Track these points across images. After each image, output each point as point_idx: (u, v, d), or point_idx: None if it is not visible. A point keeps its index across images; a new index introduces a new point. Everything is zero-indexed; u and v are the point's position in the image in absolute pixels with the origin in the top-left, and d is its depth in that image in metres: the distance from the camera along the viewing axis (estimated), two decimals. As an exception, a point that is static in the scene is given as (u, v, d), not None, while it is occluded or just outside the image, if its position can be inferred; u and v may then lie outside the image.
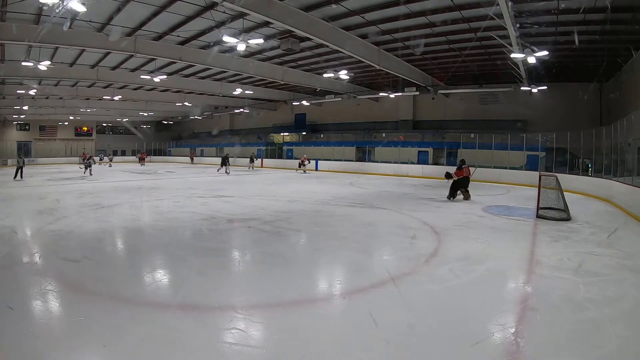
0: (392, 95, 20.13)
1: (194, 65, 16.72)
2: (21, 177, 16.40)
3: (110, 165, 28.71)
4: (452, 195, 10.56)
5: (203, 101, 28.16)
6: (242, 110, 29.99)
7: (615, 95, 15.54)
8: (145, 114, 34.11)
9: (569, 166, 15.31)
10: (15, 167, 17.19)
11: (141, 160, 32.82)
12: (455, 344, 2.81)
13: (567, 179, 11.96)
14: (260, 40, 10.80)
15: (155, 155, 41.40)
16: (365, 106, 25.13)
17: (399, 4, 10.12)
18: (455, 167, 10.89)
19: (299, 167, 22.86)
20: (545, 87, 16.12)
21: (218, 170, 22.40)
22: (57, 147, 37.04)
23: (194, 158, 36.04)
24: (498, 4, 8.18)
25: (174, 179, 18.31)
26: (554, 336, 2.91)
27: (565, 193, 8.72)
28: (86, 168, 19.49)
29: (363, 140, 25.74)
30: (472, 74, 18.33)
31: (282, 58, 16.41)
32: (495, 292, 3.90)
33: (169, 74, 18.32)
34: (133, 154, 41.81)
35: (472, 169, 11.37)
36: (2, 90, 21.88)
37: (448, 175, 10.78)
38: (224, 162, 22.44)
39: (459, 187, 10.52)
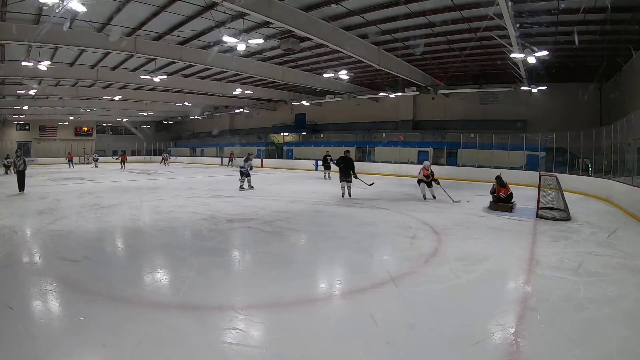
0: (392, 95, 20.11)
1: (194, 65, 16.71)
2: (23, 188, 11.52)
3: (96, 166, 27.52)
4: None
5: (203, 101, 28.14)
6: (242, 110, 29.98)
7: (615, 95, 15.54)
8: (145, 114, 34.09)
9: (569, 166, 15.30)
10: (14, 170, 12.55)
11: (123, 162, 26.79)
12: (455, 344, 2.81)
13: (567, 179, 11.95)
14: (260, 40, 10.80)
15: (155, 155, 41.14)
16: (365, 106, 25.12)
17: (399, 4, 10.12)
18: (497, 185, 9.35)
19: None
20: (545, 87, 16.11)
21: (325, 177, 17.36)
22: (57, 147, 37.04)
23: (233, 159, 28.59)
24: (498, 4, 8.18)
25: (173, 179, 18.31)
26: (554, 336, 2.91)
27: (565, 193, 8.71)
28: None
29: (363, 140, 25.72)
30: (472, 74, 18.33)
31: (282, 58, 16.40)
32: (495, 292, 3.90)
33: (169, 74, 18.32)
34: (133, 154, 41.74)
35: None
36: (2, 90, 21.88)
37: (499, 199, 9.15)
38: (327, 164, 16.93)
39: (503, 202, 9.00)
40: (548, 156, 16.65)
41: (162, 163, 30.64)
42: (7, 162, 20.95)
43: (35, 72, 15.11)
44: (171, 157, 33.17)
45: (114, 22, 11.23)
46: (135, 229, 6.89)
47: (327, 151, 16.48)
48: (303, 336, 2.94)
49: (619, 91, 14.99)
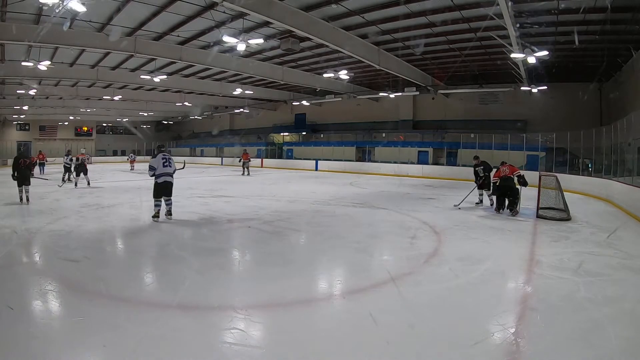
0: (392, 95, 20.11)
1: (194, 65, 16.71)
2: (27, 200, 9.06)
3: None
4: (499, 206, 8.30)
5: (203, 101, 28.15)
6: (242, 110, 29.98)
7: (615, 95, 15.54)
8: (145, 114, 34.08)
9: (569, 166, 15.30)
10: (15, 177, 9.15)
11: (34, 166, 11.81)
12: (455, 344, 2.81)
13: (567, 179, 11.95)
14: (260, 40, 10.80)
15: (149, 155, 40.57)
16: (365, 106, 25.12)
17: (399, 4, 10.12)
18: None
19: None
20: (545, 87, 16.12)
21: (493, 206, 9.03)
22: (57, 147, 37.00)
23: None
24: (498, 4, 8.18)
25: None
26: (554, 336, 2.91)
27: (565, 193, 8.71)
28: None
29: (363, 140, 25.73)
30: (472, 74, 18.32)
31: (282, 58, 16.40)
32: (495, 292, 3.90)
33: (169, 74, 18.31)
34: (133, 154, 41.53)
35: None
36: (2, 90, 21.86)
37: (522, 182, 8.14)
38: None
39: (503, 194, 8.15)
40: (548, 156, 16.65)
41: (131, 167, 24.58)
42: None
43: (35, 72, 15.10)
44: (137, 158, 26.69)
45: (114, 22, 11.23)
46: (135, 229, 6.88)
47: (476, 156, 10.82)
48: (303, 336, 2.94)
49: (619, 91, 14.99)
